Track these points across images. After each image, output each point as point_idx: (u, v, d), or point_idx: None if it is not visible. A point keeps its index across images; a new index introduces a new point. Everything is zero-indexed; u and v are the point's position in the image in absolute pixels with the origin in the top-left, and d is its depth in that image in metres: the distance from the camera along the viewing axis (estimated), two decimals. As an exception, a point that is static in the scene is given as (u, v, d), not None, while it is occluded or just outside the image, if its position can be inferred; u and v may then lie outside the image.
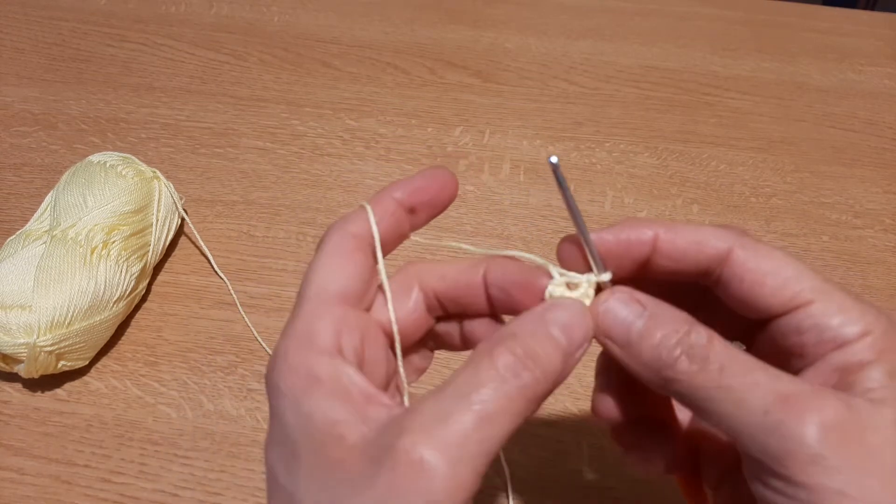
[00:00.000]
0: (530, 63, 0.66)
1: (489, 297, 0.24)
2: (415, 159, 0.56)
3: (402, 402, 0.24)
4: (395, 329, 0.24)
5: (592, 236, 0.23)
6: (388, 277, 0.24)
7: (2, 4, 0.70)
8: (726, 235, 0.23)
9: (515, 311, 0.23)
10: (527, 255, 0.24)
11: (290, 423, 0.20)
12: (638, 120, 0.60)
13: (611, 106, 0.62)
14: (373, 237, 0.23)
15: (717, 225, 0.24)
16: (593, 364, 0.43)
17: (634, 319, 0.22)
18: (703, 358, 0.21)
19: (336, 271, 0.22)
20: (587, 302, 0.23)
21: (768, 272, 0.22)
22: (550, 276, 0.23)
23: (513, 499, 0.39)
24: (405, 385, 0.24)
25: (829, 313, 0.22)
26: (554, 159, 0.22)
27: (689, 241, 0.23)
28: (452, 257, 0.25)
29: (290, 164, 0.56)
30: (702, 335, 0.21)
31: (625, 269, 0.24)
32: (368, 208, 0.24)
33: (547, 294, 0.23)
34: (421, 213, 0.25)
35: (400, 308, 0.24)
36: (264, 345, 0.45)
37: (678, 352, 0.21)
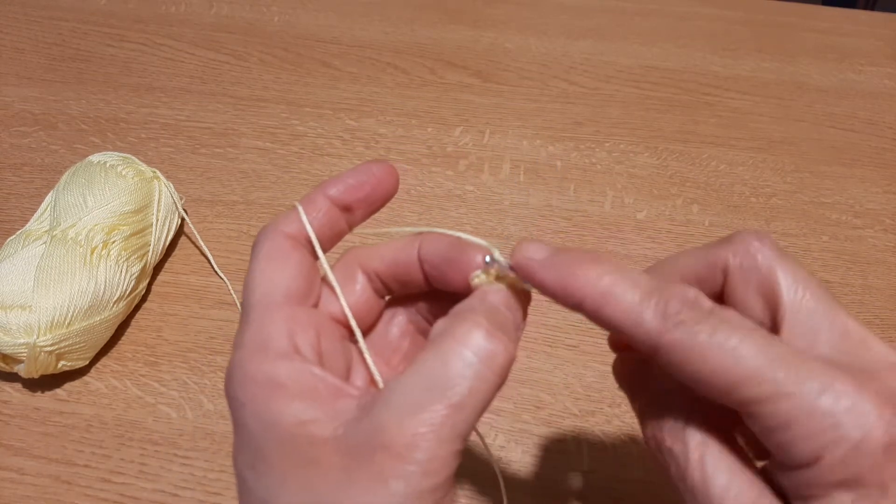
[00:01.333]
0: (530, 63, 0.65)
1: (424, 273, 0.24)
2: (415, 159, 0.56)
3: (369, 388, 0.24)
4: (350, 318, 0.24)
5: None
6: (331, 267, 0.24)
7: (2, 4, 0.70)
8: (652, 327, 0.20)
9: (448, 287, 0.23)
10: (457, 233, 0.24)
11: (255, 431, 0.20)
12: (638, 120, 0.60)
13: (611, 106, 0.62)
14: (306, 237, 0.23)
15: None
16: (593, 364, 0.44)
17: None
18: (680, 440, 0.21)
19: (277, 273, 0.22)
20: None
21: (694, 366, 0.19)
22: (480, 254, 0.23)
23: (513, 499, 0.39)
24: (374, 370, 0.23)
25: (767, 422, 0.19)
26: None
27: (621, 321, 0.21)
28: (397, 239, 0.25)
29: (290, 164, 0.56)
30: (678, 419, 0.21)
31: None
32: (300, 208, 0.24)
33: (472, 279, 0.22)
34: (357, 211, 0.25)
35: (348, 296, 0.24)
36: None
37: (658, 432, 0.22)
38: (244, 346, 0.21)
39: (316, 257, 0.24)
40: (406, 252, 0.24)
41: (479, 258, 0.23)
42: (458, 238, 0.23)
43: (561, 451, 0.41)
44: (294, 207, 0.24)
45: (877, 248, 0.52)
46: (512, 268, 0.22)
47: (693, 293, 0.20)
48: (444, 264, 0.23)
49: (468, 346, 0.19)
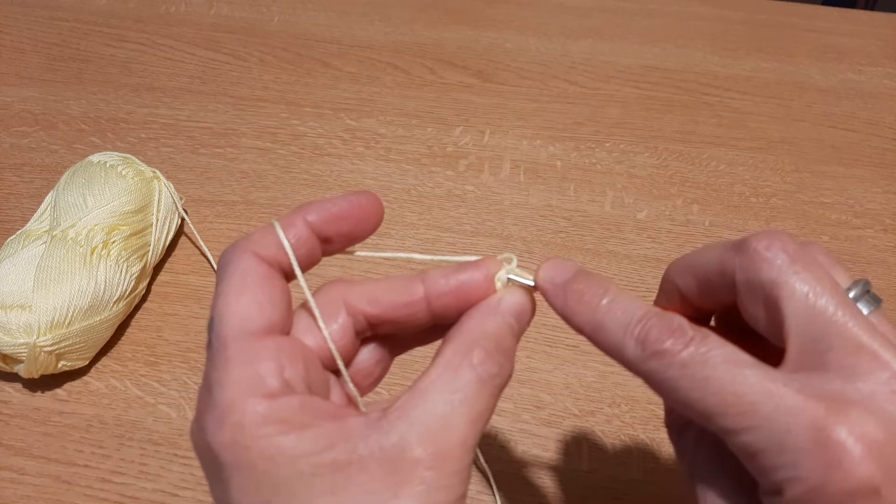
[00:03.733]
0: (530, 63, 0.65)
1: (431, 310, 0.23)
2: (415, 159, 0.56)
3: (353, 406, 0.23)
4: (333, 348, 0.22)
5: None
6: (304, 302, 0.23)
7: (2, 4, 0.70)
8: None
9: (461, 313, 0.23)
10: (456, 259, 0.24)
11: (269, 470, 0.19)
12: (638, 120, 0.60)
13: (611, 106, 0.62)
14: (281, 260, 0.22)
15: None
16: (593, 364, 0.44)
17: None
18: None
19: (255, 303, 0.21)
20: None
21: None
22: (493, 268, 0.23)
23: (513, 499, 0.39)
24: (358, 398, 0.23)
25: (738, 448, 0.20)
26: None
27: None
28: (371, 275, 0.23)
29: (290, 164, 0.56)
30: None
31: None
32: (278, 228, 0.22)
33: (497, 281, 0.23)
34: (335, 244, 0.23)
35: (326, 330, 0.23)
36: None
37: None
38: (230, 386, 0.19)
39: (290, 280, 0.22)
40: (408, 293, 0.23)
41: (495, 268, 0.23)
42: (463, 262, 0.23)
43: (561, 451, 0.41)
44: (268, 226, 0.22)
45: (877, 248, 0.52)
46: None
47: (677, 322, 0.21)
48: (462, 290, 0.23)
49: (478, 371, 0.21)
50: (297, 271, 0.22)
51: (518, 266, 0.23)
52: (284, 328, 0.22)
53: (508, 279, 0.23)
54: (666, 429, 0.26)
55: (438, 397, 0.20)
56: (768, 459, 0.19)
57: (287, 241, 0.22)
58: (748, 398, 0.19)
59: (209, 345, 0.21)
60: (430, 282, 0.23)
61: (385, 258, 0.26)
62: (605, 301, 0.22)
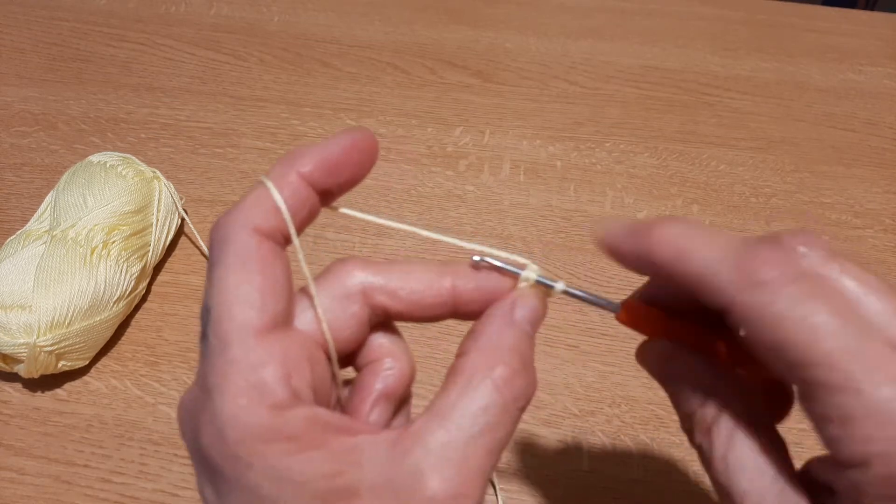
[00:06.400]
0: (530, 63, 0.65)
1: (454, 309, 0.22)
2: (415, 159, 0.56)
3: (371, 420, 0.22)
4: (332, 347, 0.21)
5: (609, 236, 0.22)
6: (319, 278, 0.21)
7: (2, 4, 0.70)
8: (730, 282, 0.19)
9: (482, 313, 0.22)
10: (497, 255, 0.22)
11: (273, 493, 0.17)
12: (638, 120, 0.60)
13: (611, 106, 0.62)
14: (281, 227, 0.19)
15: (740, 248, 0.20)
16: (593, 364, 0.44)
17: (664, 378, 0.24)
18: (707, 435, 0.21)
19: (258, 294, 0.18)
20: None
21: (768, 334, 0.18)
22: (515, 275, 0.22)
23: (513, 499, 0.39)
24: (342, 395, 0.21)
25: (826, 411, 0.18)
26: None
27: (696, 276, 0.20)
28: (385, 258, 0.21)
29: (290, 164, 0.56)
30: (707, 415, 0.21)
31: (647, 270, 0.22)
32: (274, 192, 0.19)
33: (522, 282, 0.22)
34: (335, 195, 0.21)
35: (337, 321, 0.20)
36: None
37: (689, 426, 0.22)
38: (232, 393, 0.17)
39: (288, 244, 0.20)
40: (434, 290, 0.21)
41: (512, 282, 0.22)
42: (493, 267, 0.22)
43: (561, 451, 0.41)
44: (259, 188, 0.19)
45: (877, 248, 0.52)
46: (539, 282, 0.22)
47: (789, 248, 0.19)
48: (489, 297, 0.21)
49: (503, 390, 0.19)
50: (301, 257, 0.20)
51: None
52: (288, 316, 0.19)
53: (536, 281, 0.22)
54: (686, 434, 0.23)
55: (458, 423, 0.18)
56: (860, 427, 0.17)
57: (284, 206, 0.19)
58: (858, 355, 0.17)
59: (204, 338, 0.19)
60: (461, 283, 0.21)
61: (384, 225, 0.24)
62: (683, 227, 0.20)
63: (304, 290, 0.21)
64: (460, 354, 0.20)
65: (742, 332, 0.19)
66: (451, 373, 0.20)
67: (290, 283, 0.20)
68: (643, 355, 0.25)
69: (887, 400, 0.17)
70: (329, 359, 0.21)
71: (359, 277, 0.21)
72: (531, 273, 0.22)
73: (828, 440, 0.18)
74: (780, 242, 0.20)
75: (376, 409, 0.21)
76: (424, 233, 0.23)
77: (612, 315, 0.24)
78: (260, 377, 0.18)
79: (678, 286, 0.20)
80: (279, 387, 0.18)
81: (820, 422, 0.18)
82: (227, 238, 0.19)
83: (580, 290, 0.23)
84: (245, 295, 0.18)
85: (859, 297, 0.19)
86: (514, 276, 0.22)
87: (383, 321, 0.22)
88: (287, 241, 0.20)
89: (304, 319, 0.20)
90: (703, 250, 0.19)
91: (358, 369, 0.22)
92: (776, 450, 0.20)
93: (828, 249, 0.20)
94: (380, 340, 0.22)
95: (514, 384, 0.19)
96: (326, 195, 0.21)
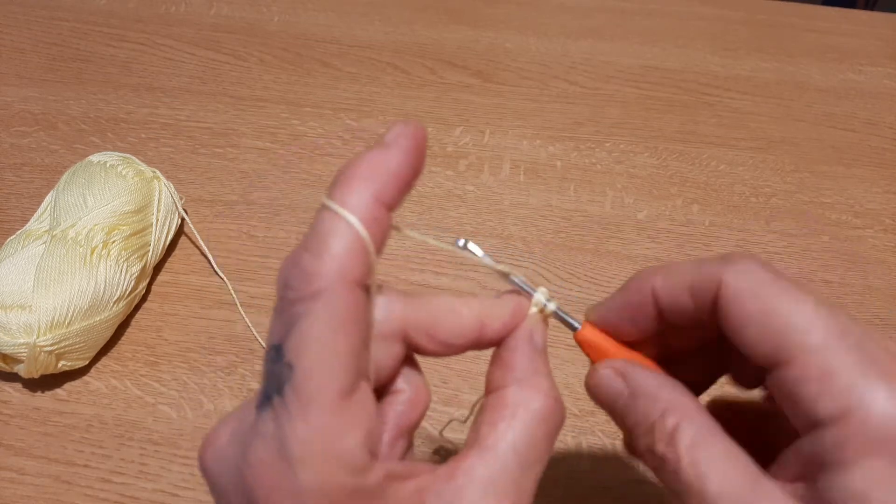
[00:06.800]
0: (530, 63, 0.65)
1: (479, 343, 0.22)
2: (415, 159, 0.56)
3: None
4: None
5: (602, 310, 0.24)
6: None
7: (2, 4, 0.70)
8: (716, 270, 0.20)
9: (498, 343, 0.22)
10: (520, 283, 0.23)
11: None
12: (638, 120, 0.60)
13: (611, 106, 0.62)
14: (369, 273, 0.18)
15: (722, 255, 0.21)
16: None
17: (618, 394, 0.23)
18: (670, 444, 0.21)
19: (350, 356, 0.17)
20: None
21: (752, 314, 0.19)
22: (528, 301, 0.23)
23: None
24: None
25: (804, 379, 0.18)
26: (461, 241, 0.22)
27: (682, 282, 0.21)
28: (415, 291, 0.21)
29: (290, 164, 0.56)
30: (668, 424, 0.21)
31: (647, 327, 0.23)
32: (365, 237, 0.17)
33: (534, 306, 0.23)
34: (398, 207, 0.20)
35: (378, 361, 0.20)
36: (265, 345, 0.45)
37: (649, 440, 0.21)
38: (315, 453, 0.16)
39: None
40: (467, 330, 0.21)
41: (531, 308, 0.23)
42: (517, 301, 0.22)
43: (561, 451, 0.41)
44: (338, 220, 0.17)
45: (877, 248, 0.52)
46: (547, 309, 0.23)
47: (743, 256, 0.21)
48: (508, 329, 0.22)
49: (547, 421, 0.20)
50: (373, 291, 0.18)
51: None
52: (366, 371, 0.18)
53: (555, 313, 0.23)
54: (628, 449, 0.23)
55: (509, 457, 0.19)
56: (839, 381, 0.18)
57: (372, 247, 0.17)
58: (837, 328, 0.19)
59: (278, 392, 0.17)
60: (489, 326, 0.21)
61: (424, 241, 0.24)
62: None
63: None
64: (498, 387, 0.21)
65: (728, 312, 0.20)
66: (494, 407, 0.20)
67: (371, 328, 0.19)
68: (594, 379, 0.24)
69: (862, 356, 0.18)
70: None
71: (399, 319, 0.20)
72: (542, 297, 0.23)
73: (806, 402, 0.18)
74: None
75: (398, 444, 0.21)
76: (492, 264, 0.23)
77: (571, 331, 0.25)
78: (346, 445, 0.17)
79: (672, 298, 0.22)
80: (361, 452, 0.17)
81: (796, 386, 0.18)
82: (320, 290, 0.17)
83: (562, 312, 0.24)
84: (337, 359, 0.17)
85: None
86: (528, 298, 0.23)
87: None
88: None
89: None
90: (683, 262, 0.22)
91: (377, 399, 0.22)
92: (738, 450, 0.21)
93: (771, 271, 0.21)
94: (402, 372, 0.21)
95: (555, 413, 0.20)
96: (391, 209, 0.19)
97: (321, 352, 0.17)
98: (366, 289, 0.18)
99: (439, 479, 0.18)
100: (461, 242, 0.22)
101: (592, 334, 0.24)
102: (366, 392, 0.18)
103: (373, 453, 0.18)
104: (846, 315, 0.19)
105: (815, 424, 0.18)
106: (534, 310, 0.23)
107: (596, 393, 0.23)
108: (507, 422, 0.19)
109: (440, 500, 0.18)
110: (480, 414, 0.21)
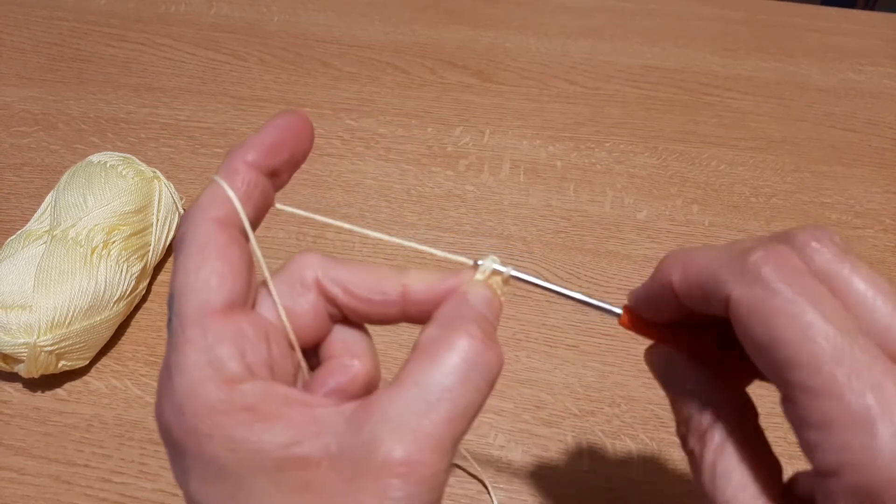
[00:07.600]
0: (530, 63, 0.66)
1: (405, 312, 0.22)
2: (415, 159, 0.56)
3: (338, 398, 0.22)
4: (289, 330, 0.21)
5: (633, 298, 0.24)
6: (275, 270, 0.22)
7: (2, 4, 0.70)
8: (726, 280, 0.19)
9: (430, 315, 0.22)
10: (448, 256, 0.23)
11: (231, 462, 0.18)
12: (638, 120, 0.60)
13: (611, 106, 0.62)
14: (234, 214, 0.20)
15: (781, 233, 0.20)
16: (593, 364, 0.44)
17: (664, 379, 0.25)
18: (700, 442, 0.21)
19: (214, 276, 0.19)
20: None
21: (758, 340, 0.18)
22: (470, 272, 0.23)
23: (513, 499, 0.39)
24: (307, 372, 0.22)
25: (805, 422, 0.17)
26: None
27: (697, 283, 0.21)
28: (343, 257, 0.22)
29: (290, 164, 0.56)
30: (702, 422, 0.22)
31: (675, 316, 0.23)
32: (224, 185, 0.21)
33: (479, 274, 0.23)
34: (283, 174, 0.22)
35: (293, 306, 0.21)
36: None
37: (683, 431, 0.22)
38: (189, 370, 0.18)
39: (248, 240, 0.21)
40: (386, 290, 0.22)
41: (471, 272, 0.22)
42: (445, 273, 0.22)
43: (561, 451, 0.41)
44: (213, 185, 0.21)
45: (877, 248, 0.52)
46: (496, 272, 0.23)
47: (800, 245, 0.19)
48: (440, 298, 0.22)
49: (465, 357, 0.19)
50: (250, 234, 0.21)
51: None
52: (247, 299, 0.20)
53: (494, 269, 0.23)
54: (680, 439, 0.23)
55: (416, 392, 0.18)
56: (837, 435, 0.17)
57: (234, 196, 0.20)
58: (843, 361, 0.17)
59: (169, 323, 0.20)
60: (413, 287, 0.22)
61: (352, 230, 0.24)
62: (687, 248, 0.22)
63: (266, 283, 0.22)
64: (423, 327, 0.21)
65: (737, 328, 0.19)
66: (414, 348, 0.20)
67: (249, 267, 0.21)
68: (650, 357, 0.25)
69: (866, 408, 0.16)
70: (291, 346, 0.22)
71: (314, 269, 0.22)
72: (490, 263, 0.23)
73: (806, 446, 0.18)
74: (792, 239, 0.20)
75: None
76: (363, 231, 0.24)
77: (615, 318, 0.25)
78: (215, 354, 0.19)
79: (689, 298, 0.21)
80: (233, 362, 0.19)
81: (800, 427, 0.18)
82: (187, 230, 0.20)
83: (551, 284, 0.24)
84: (203, 278, 0.19)
85: (866, 298, 0.19)
86: (472, 272, 0.23)
87: (347, 318, 0.23)
88: (246, 234, 0.21)
89: (265, 308, 0.22)
90: (706, 253, 0.20)
91: (321, 363, 0.23)
92: (767, 467, 0.20)
93: (841, 246, 0.19)
94: (343, 336, 0.23)
95: (475, 353, 0.19)
96: (276, 175, 0.22)
97: (187, 275, 0.19)
98: (237, 229, 0.21)
99: (340, 411, 0.19)
100: (480, 263, 0.23)
101: (632, 320, 0.24)
102: (246, 316, 0.20)
103: (251, 370, 0.19)
104: (861, 344, 0.17)
105: (815, 471, 0.18)
106: (479, 276, 0.22)
107: (648, 367, 0.25)
108: (421, 360, 0.19)
109: (334, 428, 0.18)
110: None
